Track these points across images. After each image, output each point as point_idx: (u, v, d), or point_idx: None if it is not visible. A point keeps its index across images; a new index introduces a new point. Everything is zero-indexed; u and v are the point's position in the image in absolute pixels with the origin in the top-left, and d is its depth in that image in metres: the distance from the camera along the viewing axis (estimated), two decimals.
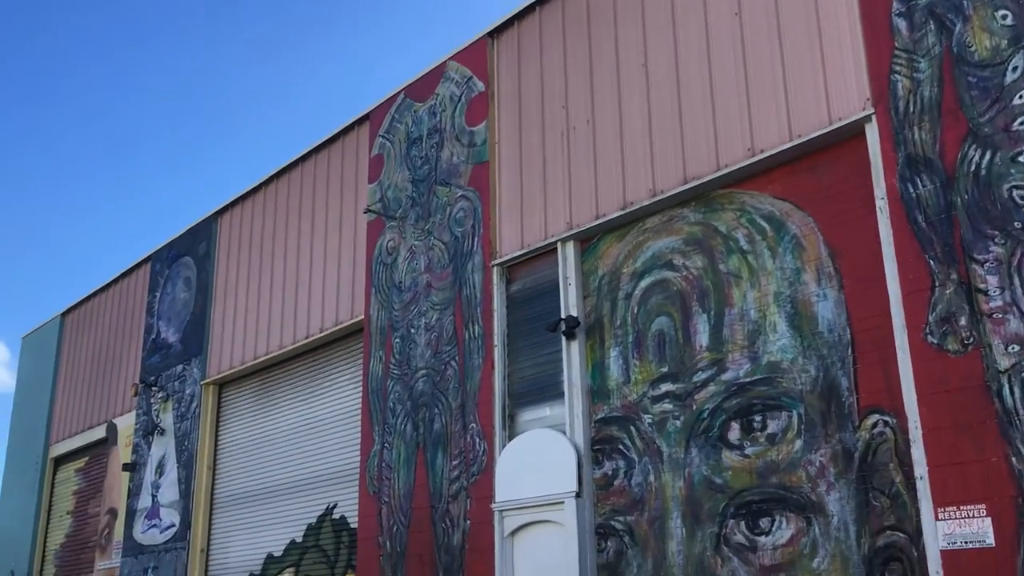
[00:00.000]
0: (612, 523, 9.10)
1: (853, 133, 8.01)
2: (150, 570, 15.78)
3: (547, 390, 10.11)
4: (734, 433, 8.28)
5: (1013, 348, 6.66)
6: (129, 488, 17.06)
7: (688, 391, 8.73)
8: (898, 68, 7.69)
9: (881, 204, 7.65)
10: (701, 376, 8.66)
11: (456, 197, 11.66)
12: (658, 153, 9.47)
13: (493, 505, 10.06)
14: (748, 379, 8.30)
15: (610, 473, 9.24)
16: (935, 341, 7.05)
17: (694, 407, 8.64)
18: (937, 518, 6.81)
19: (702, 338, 8.76)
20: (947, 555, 6.72)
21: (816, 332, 7.95)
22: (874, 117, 7.78)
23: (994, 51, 7.18)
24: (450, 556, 10.45)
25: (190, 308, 16.60)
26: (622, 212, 9.65)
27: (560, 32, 10.91)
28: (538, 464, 9.70)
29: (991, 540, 6.53)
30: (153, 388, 16.90)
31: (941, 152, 7.31)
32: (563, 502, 9.37)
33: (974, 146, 7.16)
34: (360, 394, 12.51)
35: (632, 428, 9.14)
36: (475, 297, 11.03)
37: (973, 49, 7.30)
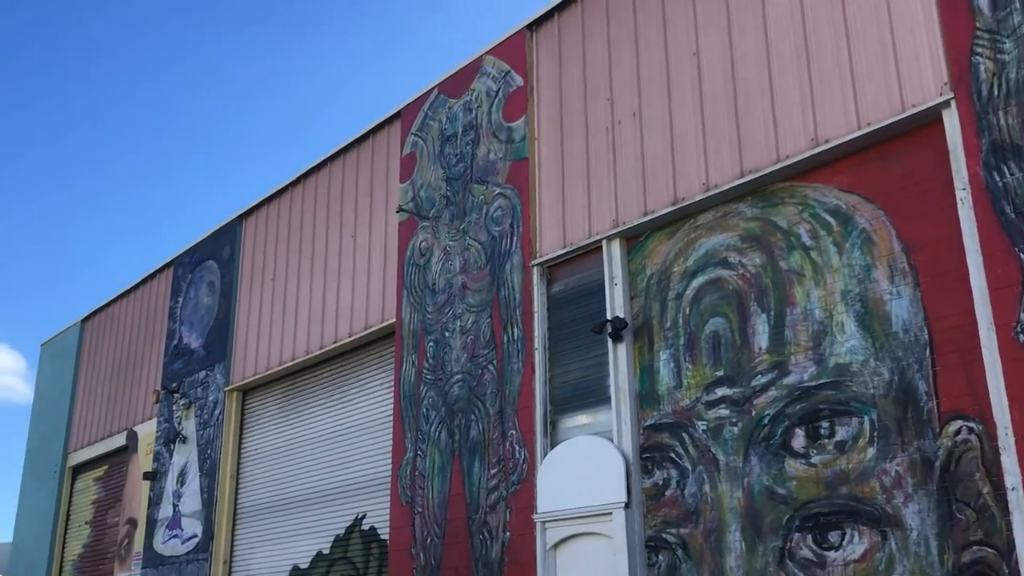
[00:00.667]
0: (664, 535, 8.58)
1: (929, 120, 7.50)
2: None
3: (591, 395, 9.62)
4: (798, 440, 7.75)
5: None
6: (150, 497, 16.63)
7: (746, 396, 8.21)
8: (979, 50, 7.18)
9: (963, 195, 7.13)
10: (761, 380, 8.14)
11: (493, 195, 11.21)
12: (711, 146, 9.00)
13: (535, 516, 9.55)
14: (813, 383, 7.78)
15: (661, 483, 8.73)
16: None
17: (753, 413, 8.12)
18: None
19: (761, 340, 8.25)
20: None
21: (889, 332, 7.42)
22: (953, 102, 7.27)
23: None
24: (488, 569, 9.94)
25: (213, 313, 16.21)
26: (672, 208, 9.17)
27: (604, 22, 10.47)
28: (583, 473, 9.21)
29: None
30: (175, 395, 16.48)
31: None
32: (610, 513, 8.86)
33: None
34: (391, 400, 12.05)
35: (685, 435, 8.64)
36: (514, 299, 10.56)
37: None
